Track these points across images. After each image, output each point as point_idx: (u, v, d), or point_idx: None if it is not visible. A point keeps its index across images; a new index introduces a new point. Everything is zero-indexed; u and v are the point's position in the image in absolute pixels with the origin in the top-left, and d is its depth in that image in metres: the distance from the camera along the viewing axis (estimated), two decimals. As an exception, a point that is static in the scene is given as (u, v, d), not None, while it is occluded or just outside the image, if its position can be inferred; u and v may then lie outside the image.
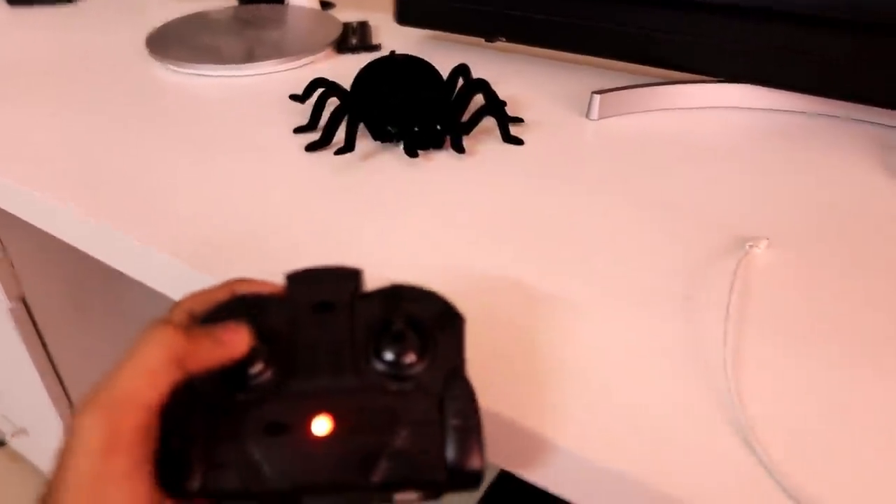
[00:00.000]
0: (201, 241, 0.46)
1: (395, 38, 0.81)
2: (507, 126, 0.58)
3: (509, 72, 0.72)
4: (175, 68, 0.73)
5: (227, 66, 0.71)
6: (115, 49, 0.80)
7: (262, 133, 0.60)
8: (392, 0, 0.75)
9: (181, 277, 0.46)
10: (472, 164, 0.56)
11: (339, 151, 0.54)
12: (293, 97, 0.65)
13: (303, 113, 0.61)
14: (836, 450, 0.32)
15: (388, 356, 0.28)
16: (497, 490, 0.93)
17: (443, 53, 0.77)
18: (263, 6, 0.89)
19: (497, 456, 0.35)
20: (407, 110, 0.56)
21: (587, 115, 0.62)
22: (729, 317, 0.38)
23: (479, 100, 0.59)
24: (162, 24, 0.82)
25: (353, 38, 0.78)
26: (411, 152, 0.54)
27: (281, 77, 0.72)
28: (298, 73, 0.72)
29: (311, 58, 0.74)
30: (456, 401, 0.28)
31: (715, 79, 0.63)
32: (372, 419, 0.27)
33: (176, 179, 0.54)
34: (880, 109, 0.61)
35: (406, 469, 0.26)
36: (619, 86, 0.62)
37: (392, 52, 0.63)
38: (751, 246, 0.44)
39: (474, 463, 0.26)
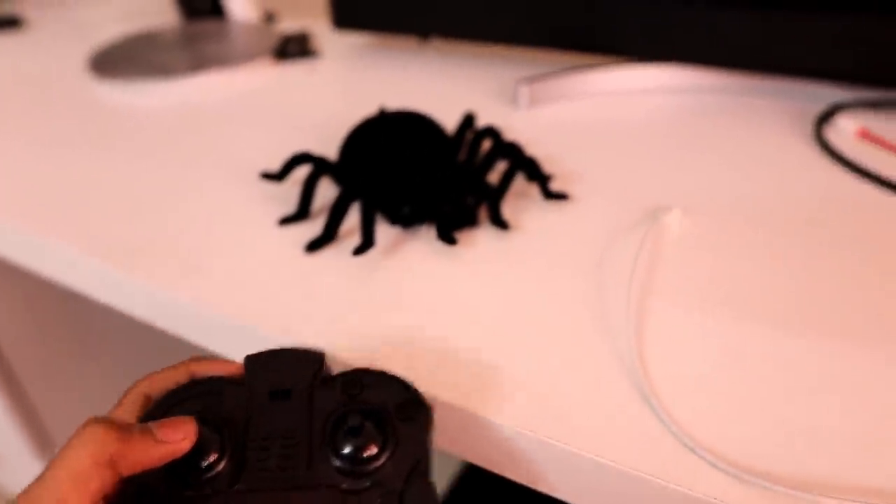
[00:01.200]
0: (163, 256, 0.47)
1: (334, 46, 0.82)
2: (546, 183, 0.49)
3: (443, 69, 0.73)
4: (118, 86, 0.74)
5: (168, 79, 0.72)
6: (61, 71, 0.80)
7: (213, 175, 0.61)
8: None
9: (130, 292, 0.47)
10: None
11: (358, 250, 0.42)
12: (266, 176, 0.51)
13: (258, 136, 0.62)
14: (729, 401, 0.33)
15: (345, 450, 0.27)
16: (463, 486, 0.93)
17: (380, 58, 0.78)
18: (207, 22, 0.90)
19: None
20: (428, 184, 0.46)
21: (516, 106, 0.63)
22: (633, 280, 0.40)
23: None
24: (106, 44, 0.83)
25: (291, 46, 0.79)
26: (448, 237, 0.43)
27: (224, 89, 0.73)
28: (240, 83, 0.73)
29: (250, 67, 0.76)
30: (417, 501, 0.26)
31: (640, 61, 0.64)
32: None
33: (131, 193, 0.54)
34: (801, 84, 0.63)
35: None
36: (547, 74, 0.63)
37: (381, 111, 0.55)
38: (662, 215, 0.46)
39: None
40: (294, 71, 0.76)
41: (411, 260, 0.44)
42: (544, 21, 0.65)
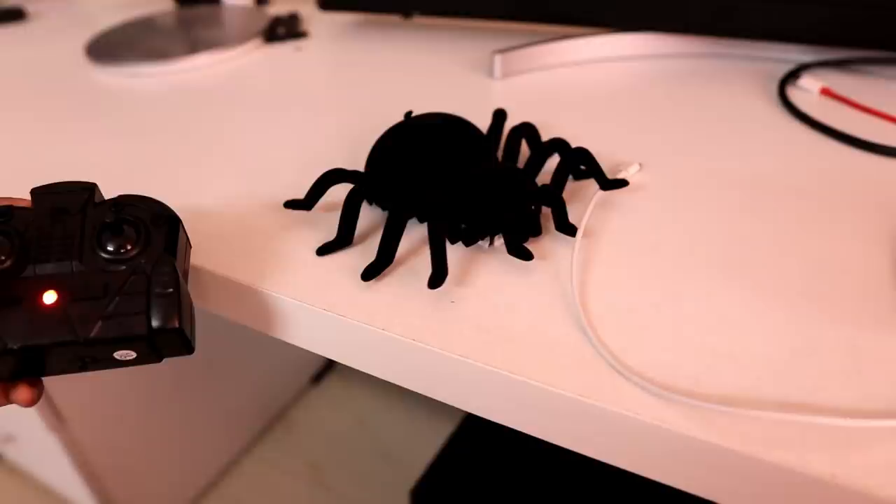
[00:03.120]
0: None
1: (322, 26, 0.85)
2: (606, 178, 0.46)
3: (425, 44, 0.76)
4: (115, 70, 0.76)
5: (163, 63, 0.75)
6: (62, 58, 0.83)
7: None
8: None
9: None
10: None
11: (434, 283, 0.37)
12: (292, 205, 0.47)
13: (270, 99, 0.64)
14: (659, 333, 0.35)
15: (109, 246, 0.35)
16: (463, 434, 0.96)
17: (365, 35, 0.81)
18: (201, 8, 0.93)
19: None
20: (485, 193, 0.41)
21: (492, 76, 0.66)
22: (583, 223, 0.42)
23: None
24: (104, 31, 0.86)
25: (281, 27, 0.82)
26: (521, 252, 0.39)
27: (216, 69, 0.75)
28: (231, 64, 0.76)
29: (240, 49, 0.78)
30: (160, 276, 0.34)
31: (608, 30, 0.66)
32: (90, 292, 0.34)
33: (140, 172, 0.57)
34: (767, 47, 0.64)
35: (116, 328, 0.33)
36: (521, 46, 0.65)
37: (407, 115, 0.51)
38: (622, 169, 0.48)
39: (173, 323, 0.33)
40: (283, 50, 0.79)
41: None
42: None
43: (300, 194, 0.48)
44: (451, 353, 0.35)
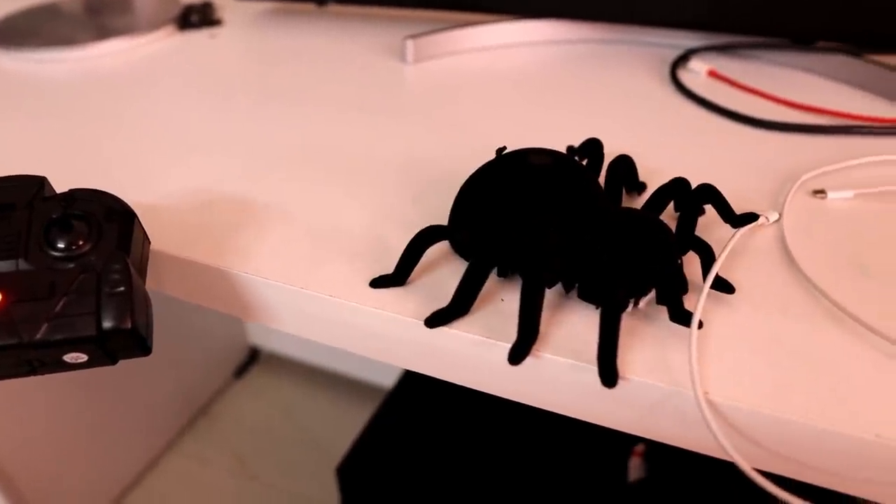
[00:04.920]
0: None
1: (236, 14, 0.86)
2: (735, 215, 0.41)
3: (339, 31, 0.77)
4: (20, 55, 0.75)
5: (71, 48, 0.74)
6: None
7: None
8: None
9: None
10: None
11: (517, 353, 0.33)
12: (383, 282, 0.38)
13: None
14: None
15: (58, 243, 0.34)
16: (386, 411, 0.98)
17: (280, 23, 0.82)
18: (110, -5, 0.91)
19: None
20: (631, 247, 0.33)
21: (404, 61, 0.68)
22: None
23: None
24: (7, 15, 0.84)
25: (194, 15, 0.82)
26: (686, 317, 0.33)
27: (127, 56, 0.75)
28: (143, 51, 0.76)
29: (153, 35, 0.78)
30: (111, 274, 0.33)
31: (515, 16, 0.70)
32: (36, 292, 0.33)
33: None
34: (659, 33, 0.69)
35: (63, 330, 0.32)
36: (431, 31, 0.68)
37: (500, 151, 0.43)
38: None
39: (125, 323, 0.32)
40: (197, 37, 0.79)
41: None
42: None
43: (215, 177, 0.50)
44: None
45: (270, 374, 1.55)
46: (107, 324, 0.32)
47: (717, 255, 0.36)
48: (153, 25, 0.79)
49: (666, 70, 0.65)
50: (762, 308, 0.36)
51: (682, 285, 0.34)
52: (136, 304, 0.33)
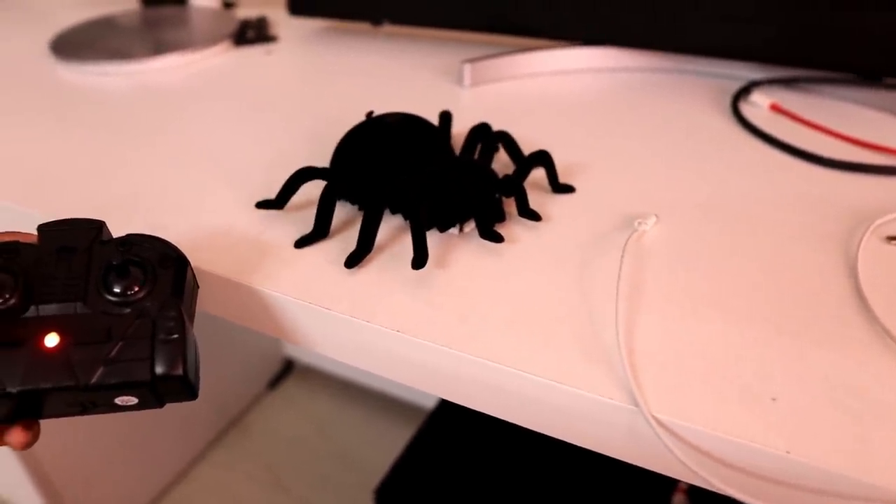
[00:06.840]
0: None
1: (291, 31, 0.86)
2: (556, 174, 0.50)
3: (394, 52, 0.77)
4: (80, 68, 0.76)
5: (130, 62, 0.75)
6: (24, 56, 0.83)
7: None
8: (286, -5, 0.81)
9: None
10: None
11: (418, 264, 0.40)
12: (263, 204, 0.49)
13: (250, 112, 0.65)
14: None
15: (115, 288, 0.35)
16: (426, 435, 0.97)
17: (335, 42, 0.82)
18: (166, 8, 0.93)
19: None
20: (457, 186, 0.44)
21: (461, 84, 0.68)
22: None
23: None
24: (67, 29, 0.86)
25: (250, 31, 0.83)
26: (493, 235, 0.43)
27: (184, 70, 0.76)
28: (200, 66, 0.77)
29: (209, 51, 0.79)
30: (166, 321, 0.34)
31: (571, 43, 0.69)
32: (93, 336, 0.33)
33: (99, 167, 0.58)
34: (721, 64, 0.68)
35: (118, 374, 0.32)
36: (488, 56, 0.68)
37: (369, 114, 0.53)
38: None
39: (177, 370, 0.33)
40: (253, 53, 0.80)
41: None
42: (486, 7, 0.69)
43: (271, 194, 0.50)
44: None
45: (305, 387, 1.55)
46: (160, 369, 0.33)
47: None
48: (210, 41, 0.80)
49: (726, 102, 0.63)
50: (834, 358, 0.35)
51: (497, 215, 0.45)
52: (187, 352, 0.33)
